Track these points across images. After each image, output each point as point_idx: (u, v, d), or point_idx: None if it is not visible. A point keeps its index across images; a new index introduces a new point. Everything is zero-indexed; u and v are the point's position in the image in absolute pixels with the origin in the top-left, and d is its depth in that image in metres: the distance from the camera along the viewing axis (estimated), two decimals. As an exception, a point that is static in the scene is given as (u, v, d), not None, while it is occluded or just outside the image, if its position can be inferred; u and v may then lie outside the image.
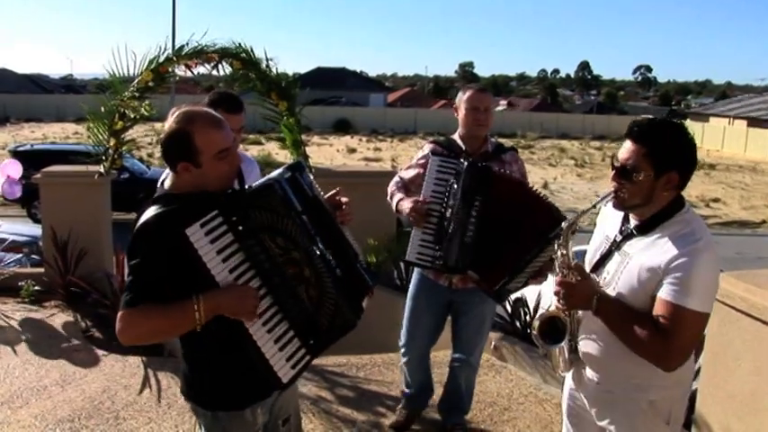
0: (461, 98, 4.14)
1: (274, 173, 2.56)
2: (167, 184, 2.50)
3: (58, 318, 6.61)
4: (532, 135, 49.11)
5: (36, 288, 7.12)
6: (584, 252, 2.84)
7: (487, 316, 4.33)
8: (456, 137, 4.20)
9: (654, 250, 2.45)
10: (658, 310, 2.39)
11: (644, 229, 2.54)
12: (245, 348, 2.35)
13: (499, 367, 5.70)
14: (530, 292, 7.53)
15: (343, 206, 2.77)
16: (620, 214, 2.66)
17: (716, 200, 24.14)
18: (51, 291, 7.08)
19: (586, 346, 2.70)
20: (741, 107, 50.50)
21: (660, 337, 2.36)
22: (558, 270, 2.59)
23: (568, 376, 2.94)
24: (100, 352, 5.82)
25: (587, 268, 2.70)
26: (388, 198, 4.22)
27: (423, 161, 4.15)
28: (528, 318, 6.35)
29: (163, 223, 2.31)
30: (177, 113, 2.41)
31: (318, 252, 2.49)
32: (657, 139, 2.44)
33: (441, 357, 4.63)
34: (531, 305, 6.46)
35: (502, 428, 4.67)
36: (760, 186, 29.58)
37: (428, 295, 4.26)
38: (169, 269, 2.27)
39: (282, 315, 2.39)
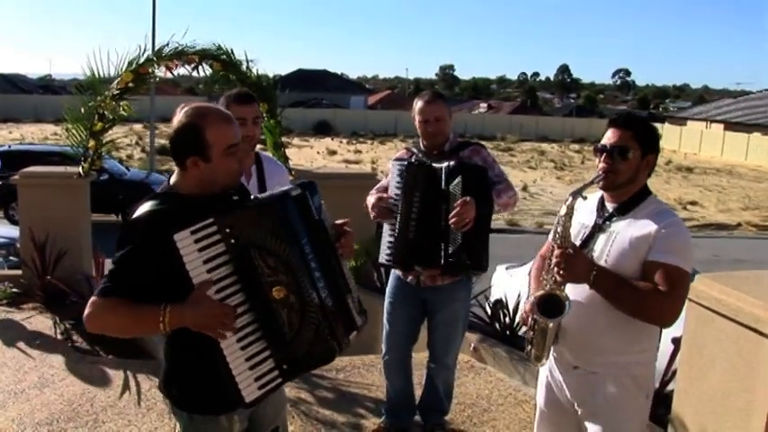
0: (414, 108, 4.19)
1: (286, 187, 2.60)
2: (172, 180, 2.50)
3: (36, 320, 6.56)
4: (512, 138, 49.31)
5: (14, 290, 7.08)
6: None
7: (460, 315, 4.34)
8: (420, 140, 4.30)
9: (638, 224, 2.75)
10: (654, 272, 2.67)
11: (623, 209, 2.83)
12: (216, 360, 2.31)
13: (479, 369, 5.73)
14: (510, 293, 7.59)
15: (343, 239, 2.71)
16: (592, 206, 2.92)
17: (693, 203, 24.25)
18: (29, 293, 7.04)
19: (569, 325, 2.83)
20: (718, 111, 50.97)
21: (662, 294, 2.63)
22: (557, 242, 2.75)
23: (543, 370, 3.08)
24: (79, 354, 5.79)
25: None
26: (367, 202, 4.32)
27: (390, 166, 4.31)
28: (507, 319, 6.39)
29: (155, 222, 2.31)
30: (187, 109, 2.42)
31: (309, 279, 2.43)
32: (640, 124, 2.86)
33: (420, 359, 4.65)
34: (511, 306, 6.50)
35: (481, 429, 4.70)
36: (736, 189, 29.89)
37: (401, 294, 4.33)
38: (153, 268, 2.26)
39: (260, 335, 2.34)
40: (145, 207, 2.37)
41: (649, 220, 2.74)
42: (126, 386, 5.15)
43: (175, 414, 2.59)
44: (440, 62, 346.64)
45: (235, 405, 2.42)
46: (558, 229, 2.76)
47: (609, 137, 2.83)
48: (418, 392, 4.60)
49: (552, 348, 2.94)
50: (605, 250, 2.79)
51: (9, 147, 19.82)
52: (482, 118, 58.64)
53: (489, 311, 6.67)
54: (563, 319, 2.76)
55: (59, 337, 6.21)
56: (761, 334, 3.39)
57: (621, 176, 2.79)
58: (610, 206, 2.88)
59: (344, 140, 45.09)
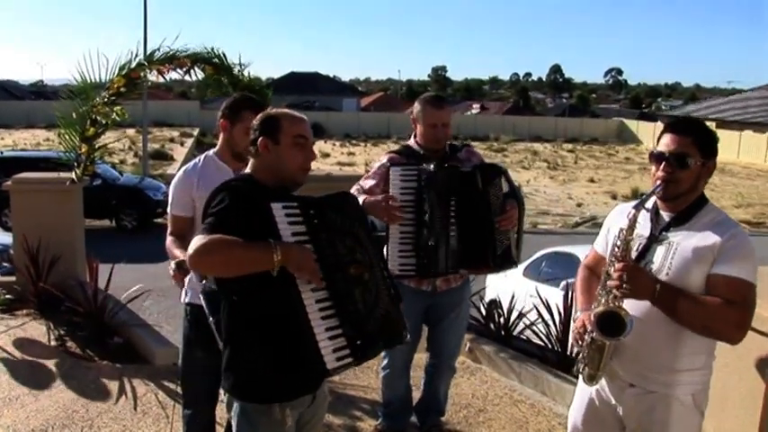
0: (419, 113, 4.12)
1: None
2: (248, 168, 2.70)
3: (30, 326, 6.53)
4: (505, 138, 49.40)
5: (7, 296, 7.04)
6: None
7: (465, 316, 4.38)
8: (412, 143, 4.23)
9: (699, 235, 2.62)
10: (721, 286, 2.55)
11: (681, 219, 2.69)
12: (297, 330, 2.39)
13: (474, 369, 5.74)
14: (505, 294, 7.61)
15: None
16: (646, 217, 2.76)
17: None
18: (23, 299, 7.00)
19: (625, 341, 2.66)
20: (709, 109, 51.10)
21: (731, 309, 2.52)
22: (617, 256, 2.64)
23: (584, 388, 2.92)
24: (73, 360, 5.77)
25: None
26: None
27: (380, 171, 4.15)
28: (502, 320, 6.39)
29: (251, 190, 2.52)
30: (267, 111, 2.74)
31: (379, 263, 2.67)
32: (700, 130, 2.69)
33: (416, 360, 4.65)
34: (505, 306, 6.51)
35: (477, 430, 4.71)
36: (728, 187, 30.01)
37: (407, 303, 4.24)
38: (245, 225, 2.39)
39: (335, 311, 2.45)
40: (234, 181, 2.64)
41: (711, 231, 2.60)
42: (121, 391, 5.14)
43: (230, 406, 2.65)
44: (432, 63, 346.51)
45: (298, 390, 2.58)
46: (618, 243, 2.65)
47: (667, 143, 2.66)
48: (415, 394, 4.60)
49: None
50: (666, 263, 2.65)
51: (1, 153, 19.74)
52: (474, 119, 58.64)
53: (484, 312, 6.67)
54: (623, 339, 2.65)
55: (54, 343, 6.18)
56: (756, 331, 3.40)
57: (682, 185, 2.64)
58: (665, 215, 2.74)
59: (337, 143, 45.04)
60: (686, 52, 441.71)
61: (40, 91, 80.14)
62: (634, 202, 2.74)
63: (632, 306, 2.62)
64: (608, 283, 2.62)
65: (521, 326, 6.41)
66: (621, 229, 2.65)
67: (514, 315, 6.42)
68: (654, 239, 2.71)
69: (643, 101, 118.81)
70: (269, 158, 2.61)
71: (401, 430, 4.52)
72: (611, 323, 2.58)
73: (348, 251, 2.52)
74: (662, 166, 2.65)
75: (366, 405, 4.96)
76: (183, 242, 3.49)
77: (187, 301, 3.66)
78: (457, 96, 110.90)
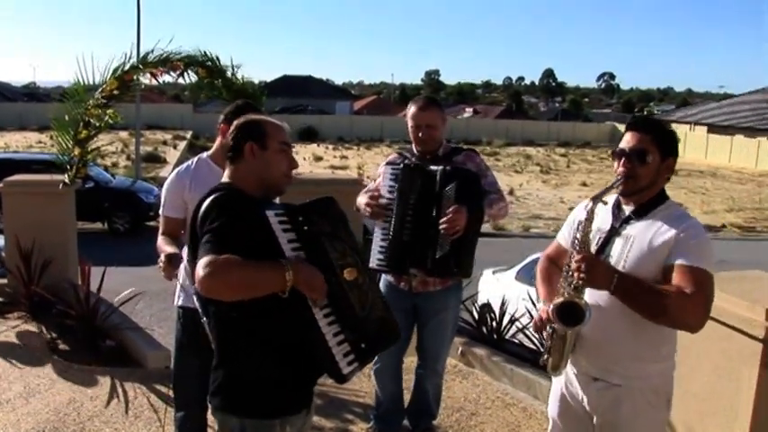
0: (408, 112, 4.22)
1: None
2: (225, 177, 2.63)
3: (21, 329, 6.51)
4: (498, 142, 49.44)
5: (-1, 299, 7.02)
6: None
7: (450, 322, 4.36)
8: (412, 146, 4.29)
9: (655, 228, 2.69)
10: (678, 275, 2.59)
11: (641, 213, 2.77)
12: (310, 343, 2.39)
13: (466, 372, 5.75)
14: (497, 297, 7.62)
15: None
16: (608, 210, 2.85)
17: (678, 204, 24.28)
18: (15, 302, 6.98)
19: (586, 332, 2.75)
20: (701, 114, 51.38)
21: (688, 296, 2.54)
22: (576, 247, 2.70)
23: (557, 381, 3.00)
24: (65, 363, 5.76)
25: None
26: (357, 207, 4.28)
27: (381, 171, 4.27)
28: (494, 323, 6.40)
29: (242, 200, 2.46)
30: (247, 116, 2.69)
31: (365, 264, 2.65)
32: (659, 128, 2.79)
33: (407, 363, 4.66)
34: (497, 310, 6.52)
35: (469, 433, 4.71)
36: (720, 191, 30.12)
37: (393, 301, 4.25)
38: (248, 237, 2.33)
39: (336, 317, 2.44)
40: (218, 193, 2.48)
41: (667, 224, 2.68)
42: (113, 394, 5.13)
43: (225, 426, 2.56)
44: (425, 67, 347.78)
45: (298, 405, 2.58)
46: (578, 235, 2.71)
47: (627, 140, 2.77)
48: (406, 397, 4.61)
49: (570, 358, 2.87)
50: (623, 255, 2.72)
51: (-7, 155, 19.70)
52: (467, 123, 58.69)
53: (476, 315, 6.68)
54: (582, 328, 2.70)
55: (45, 345, 6.16)
56: (745, 334, 3.43)
57: (641, 181, 2.73)
58: (627, 209, 2.83)
59: (330, 146, 45.00)
60: (678, 57, 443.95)
61: (32, 93, 79.88)
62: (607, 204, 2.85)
63: (594, 297, 2.69)
64: (568, 274, 2.69)
65: (513, 329, 6.42)
66: (580, 222, 2.75)
67: (507, 319, 6.43)
68: (614, 233, 2.79)
69: (635, 105, 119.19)
70: (255, 164, 2.55)
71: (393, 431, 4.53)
72: (570, 313, 2.65)
73: (340, 255, 2.48)
74: (622, 161, 2.74)
75: (358, 408, 4.97)
76: (174, 242, 3.52)
77: (180, 304, 3.67)
78: (450, 100, 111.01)
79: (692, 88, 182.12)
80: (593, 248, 2.77)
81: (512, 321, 6.42)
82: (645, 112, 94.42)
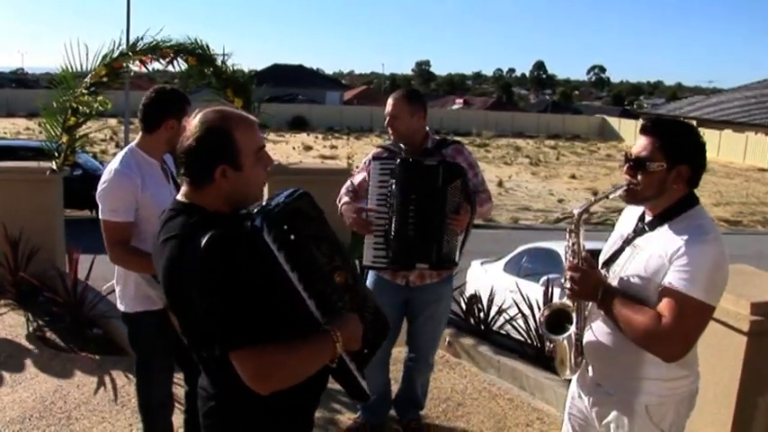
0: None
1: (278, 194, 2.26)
2: (182, 196, 2.19)
3: (7, 317, 6.48)
4: (488, 134, 49.48)
5: (-15, 286, 6.98)
6: (598, 251, 2.84)
7: (443, 314, 4.38)
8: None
9: (662, 241, 2.49)
10: (662, 296, 2.41)
11: (655, 223, 2.58)
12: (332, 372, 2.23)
13: (453, 363, 5.77)
14: (485, 288, 7.64)
15: None
16: (637, 215, 2.71)
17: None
18: (1, 289, 6.94)
19: (589, 340, 2.70)
20: (690, 108, 51.49)
21: (663, 325, 2.36)
22: (569, 257, 2.63)
23: (574, 380, 2.92)
24: (52, 351, 5.74)
25: (599, 265, 2.72)
26: (337, 201, 4.22)
27: (366, 165, 4.25)
28: (482, 314, 6.43)
29: (229, 243, 1.98)
30: (205, 112, 2.13)
31: (349, 261, 2.39)
32: (669, 133, 2.53)
33: (395, 354, 4.67)
34: (485, 301, 6.54)
35: (456, 424, 4.73)
36: (708, 185, 30.19)
37: (385, 296, 4.19)
38: (257, 275, 1.99)
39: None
40: (201, 240, 1.97)
41: (676, 236, 2.45)
42: (100, 383, 5.12)
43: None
44: (416, 58, 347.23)
45: None
46: (570, 243, 2.63)
47: (636, 146, 2.56)
48: (394, 387, 4.62)
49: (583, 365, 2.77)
50: (624, 267, 2.59)
51: (-20, 141, 19.55)
52: (457, 114, 58.69)
53: (464, 306, 6.70)
54: (581, 337, 2.66)
55: (32, 333, 6.14)
56: (729, 327, 3.45)
57: (645, 190, 2.53)
58: (648, 218, 2.64)
59: (320, 136, 44.97)
60: (669, 52, 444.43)
61: (20, 79, 79.37)
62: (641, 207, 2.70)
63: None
64: (563, 283, 2.64)
65: (501, 321, 6.44)
66: (571, 230, 2.63)
67: (494, 310, 6.46)
68: (627, 242, 2.66)
69: (625, 98, 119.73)
70: (228, 187, 2.11)
71: (380, 423, 4.53)
72: (560, 320, 2.63)
73: (328, 259, 2.21)
74: (626, 167, 2.59)
75: (345, 398, 4.96)
76: (132, 249, 3.40)
77: (143, 309, 3.65)
78: (440, 91, 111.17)
79: (682, 82, 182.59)
80: (608, 256, 2.71)
81: (499, 312, 6.44)
82: (634, 106, 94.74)
